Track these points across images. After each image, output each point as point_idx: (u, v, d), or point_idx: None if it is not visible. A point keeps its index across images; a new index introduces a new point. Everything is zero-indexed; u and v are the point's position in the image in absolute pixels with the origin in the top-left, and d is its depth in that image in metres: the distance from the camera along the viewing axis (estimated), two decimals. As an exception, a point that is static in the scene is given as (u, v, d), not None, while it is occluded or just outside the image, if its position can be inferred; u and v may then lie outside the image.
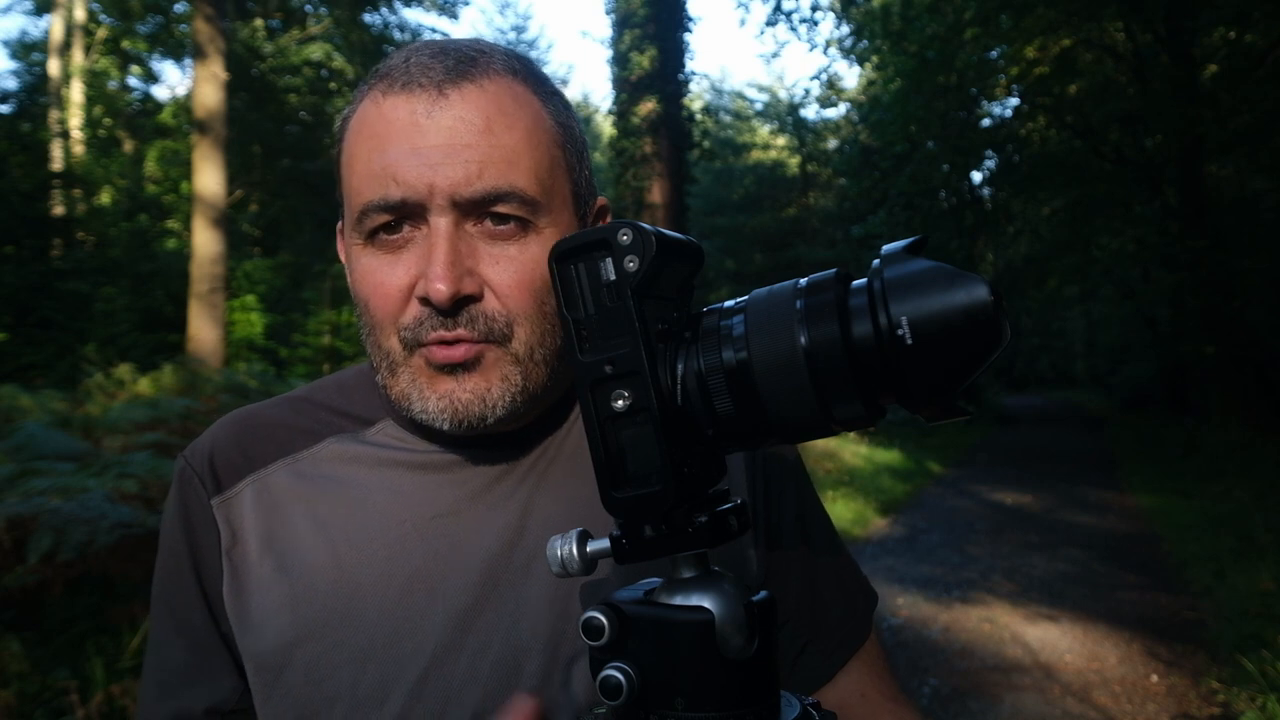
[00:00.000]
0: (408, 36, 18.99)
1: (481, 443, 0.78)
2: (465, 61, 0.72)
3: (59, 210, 13.37)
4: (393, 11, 19.15)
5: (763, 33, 27.17)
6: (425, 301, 0.69)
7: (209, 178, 9.49)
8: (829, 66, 29.35)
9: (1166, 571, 6.48)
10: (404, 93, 0.70)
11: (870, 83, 21.05)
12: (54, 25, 17.61)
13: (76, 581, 3.45)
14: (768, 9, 19.00)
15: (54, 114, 16.17)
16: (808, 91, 36.68)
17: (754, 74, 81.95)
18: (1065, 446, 16.24)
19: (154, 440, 4.69)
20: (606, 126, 17.15)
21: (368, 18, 18.70)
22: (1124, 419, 20.74)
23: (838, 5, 17.74)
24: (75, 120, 17.19)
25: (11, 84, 19.33)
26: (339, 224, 0.79)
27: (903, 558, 7.05)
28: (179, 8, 17.57)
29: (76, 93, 17.60)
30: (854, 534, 7.80)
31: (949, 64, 14.98)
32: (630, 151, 14.09)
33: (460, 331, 0.70)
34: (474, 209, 0.70)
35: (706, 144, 17.12)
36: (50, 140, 14.85)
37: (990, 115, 19.05)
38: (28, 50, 21.46)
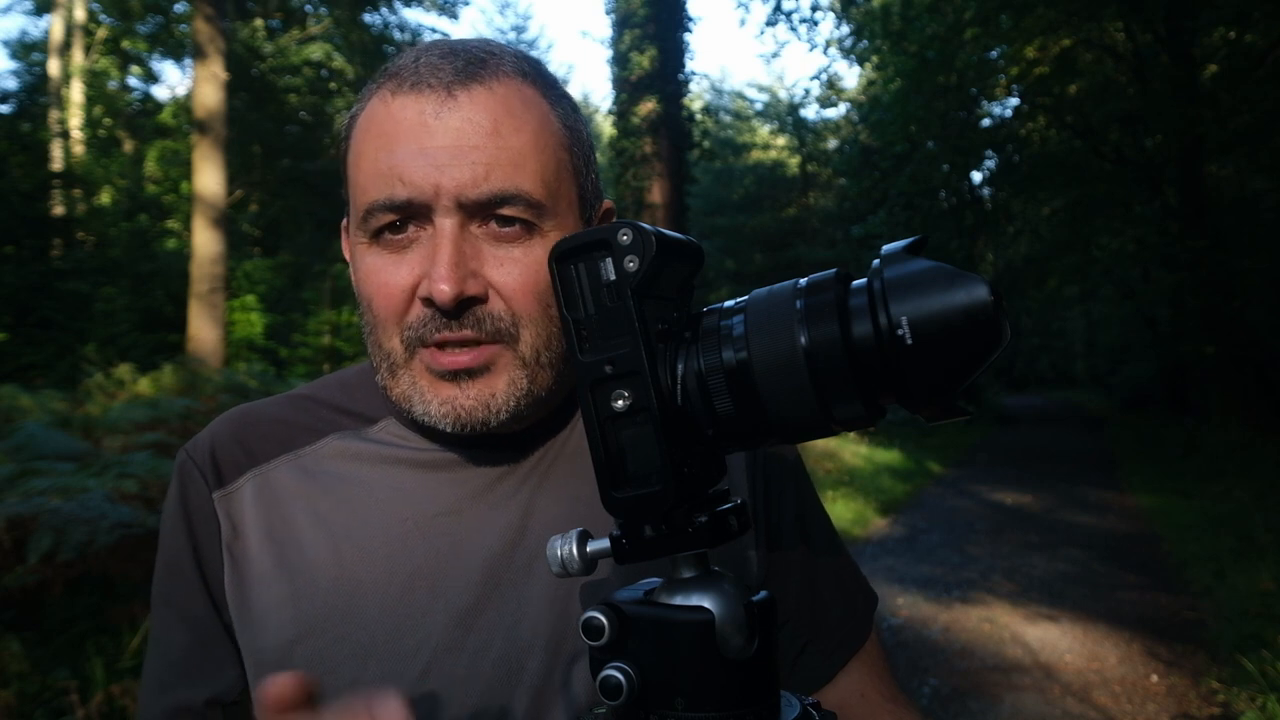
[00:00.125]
0: (408, 36, 18.99)
1: (484, 442, 0.78)
2: (475, 63, 0.72)
3: (59, 210, 13.37)
4: (393, 11, 19.17)
5: (763, 33, 27.20)
6: (428, 302, 0.69)
7: (209, 178, 9.50)
8: (829, 66, 29.42)
9: (1166, 571, 6.48)
10: (413, 93, 0.70)
11: (870, 83, 21.06)
12: (54, 25, 17.61)
13: (76, 581, 3.45)
14: (768, 9, 19.00)
15: (54, 114, 16.18)
16: (808, 91, 36.71)
17: (754, 74, 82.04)
18: (1065, 446, 16.24)
19: (154, 440, 4.69)
20: (606, 126, 17.14)
21: (368, 18, 18.71)
22: (1124, 419, 20.74)
23: (838, 5, 17.74)
24: (75, 120, 17.19)
25: (11, 84, 19.36)
26: (344, 221, 0.79)
27: (903, 558, 7.05)
28: (179, 8, 17.59)
29: (76, 93, 17.60)
30: (854, 534, 7.80)
31: (949, 64, 14.98)
32: (630, 151, 14.10)
33: (466, 332, 0.69)
34: (479, 211, 0.70)
35: (706, 144, 17.14)
36: (50, 140, 14.85)
37: (990, 115, 19.07)
38: (28, 50, 21.47)
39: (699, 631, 0.53)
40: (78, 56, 17.80)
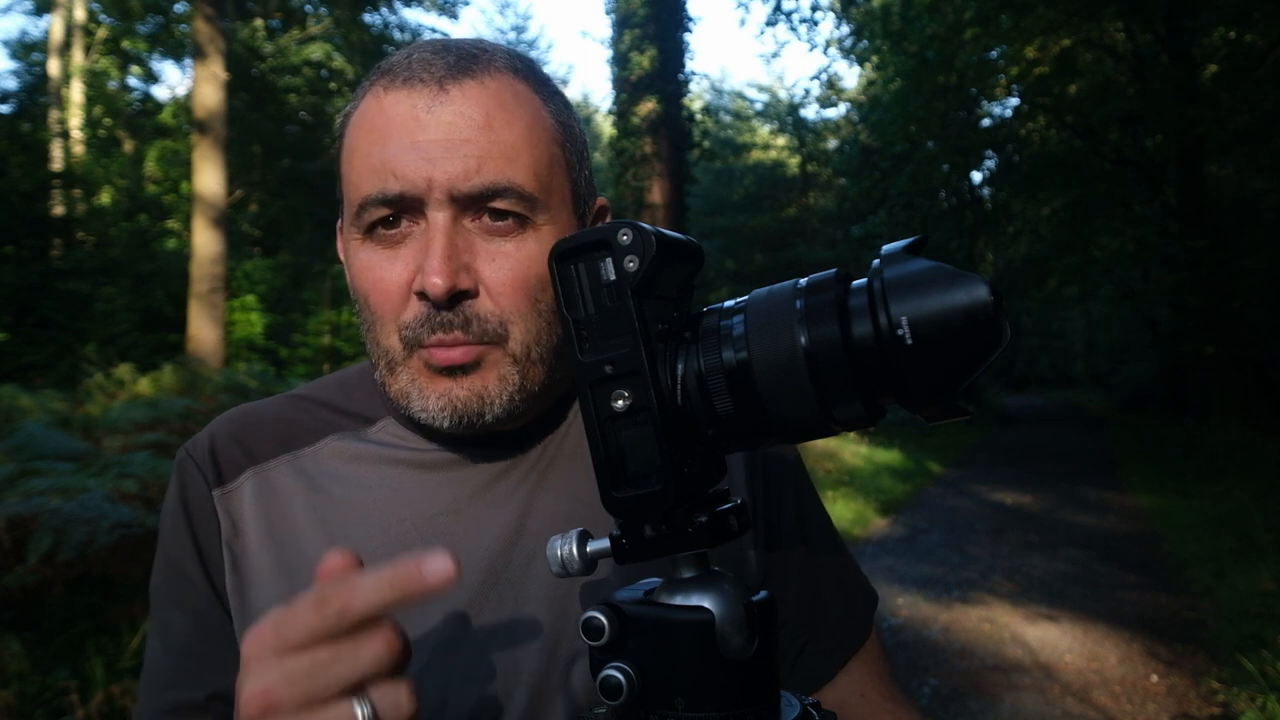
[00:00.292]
0: (408, 36, 18.99)
1: (482, 441, 0.78)
2: (467, 58, 0.72)
3: (59, 210, 13.37)
4: (393, 11, 19.17)
5: (763, 33, 27.20)
6: (423, 297, 0.70)
7: (209, 178, 9.50)
8: (829, 66, 29.41)
9: (1166, 571, 6.48)
10: (405, 88, 0.71)
11: (870, 83, 21.06)
12: (54, 25, 17.61)
13: (76, 581, 3.45)
14: (768, 9, 19.00)
15: (54, 114, 16.17)
16: (808, 91, 36.72)
17: (754, 74, 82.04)
18: (1065, 446, 16.24)
19: (154, 440, 4.69)
20: (606, 126, 17.15)
21: (368, 18, 18.71)
22: (1124, 419, 20.74)
23: (838, 5, 17.74)
24: (75, 120, 17.19)
25: (11, 84, 19.35)
26: (339, 221, 0.79)
27: (903, 558, 7.05)
28: (179, 8, 17.58)
29: (76, 93, 17.60)
30: (854, 534, 7.80)
31: (949, 64, 14.98)
32: (630, 151, 14.10)
33: (457, 334, 0.70)
34: (472, 204, 0.70)
35: (706, 144, 17.13)
36: (50, 140, 14.85)
37: (990, 115, 19.06)
38: (28, 50, 21.47)
39: (699, 631, 0.53)
40: (78, 56, 17.80)
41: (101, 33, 18.78)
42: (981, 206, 20.16)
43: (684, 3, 14.46)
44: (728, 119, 34.27)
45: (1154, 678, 4.37)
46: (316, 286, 15.18)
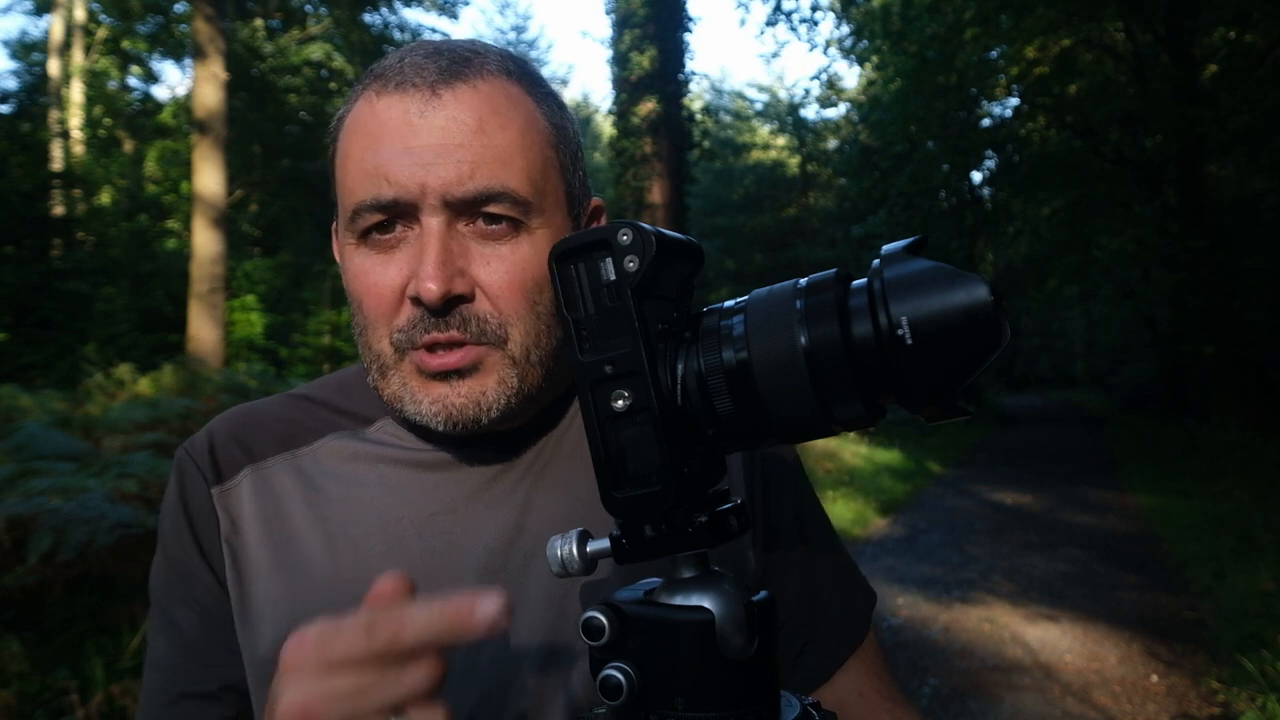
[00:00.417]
0: (408, 36, 18.98)
1: (480, 441, 0.78)
2: (459, 62, 0.72)
3: (59, 210, 13.37)
4: (393, 11, 19.16)
5: (763, 33, 27.19)
6: (417, 302, 0.70)
7: (209, 178, 9.50)
8: (829, 66, 29.42)
9: (1166, 571, 6.48)
10: (397, 92, 0.71)
11: (870, 83, 21.06)
12: (54, 25, 17.61)
13: (76, 581, 3.45)
14: (768, 9, 18.99)
15: (54, 114, 16.17)
16: (808, 91, 36.71)
17: (754, 74, 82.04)
18: (1065, 446, 16.24)
19: (154, 440, 4.69)
20: (606, 126, 17.15)
21: (368, 18, 18.70)
22: (1124, 419, 20.73)
23: (838, 5, 17.74)
24: (75, 120, 17.19)
25: (11, 84, 19.35)
26: (334, 224, 0.79)
27: (903, 558, 7.05)
28: (179, 8, 17.58)
29: (76, 93, 17.60)
30: (854, 534, 7.80)
31: (949, 64, 14.98)
32: (630, 151, 14.09)
33: (454, 333, 0.70)
34: (466, 209, 0.70)
35: (706, 144, 17.12)
36: (50, 140, 14.85)
37: (990, 115, 19.07)
38: (28, 50, 21.46)
39: (699, 631, 0.53)
40: (78, 56, 17.80)
41: (101, 33, 18.78)
42: (981, 206, 20.17)
43: (684, 3, 14.46)
44: (728, 119, 34.27)
45: (1154, 678, 4.37)
46: (316, 286, 15.19)
